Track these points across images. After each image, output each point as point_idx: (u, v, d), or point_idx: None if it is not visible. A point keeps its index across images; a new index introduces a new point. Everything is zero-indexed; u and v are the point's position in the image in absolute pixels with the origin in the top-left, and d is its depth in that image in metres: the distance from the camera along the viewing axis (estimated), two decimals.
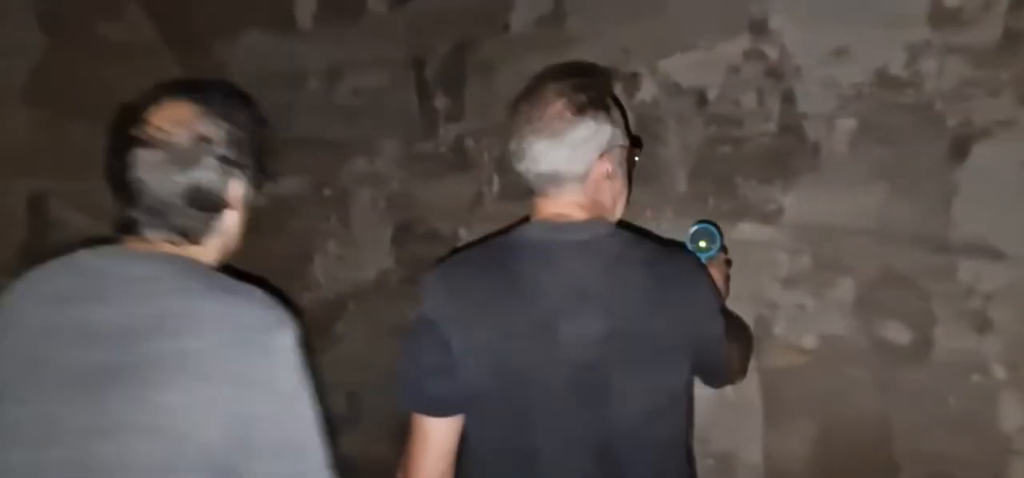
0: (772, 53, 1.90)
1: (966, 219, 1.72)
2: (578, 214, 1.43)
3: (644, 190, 2.07)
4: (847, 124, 1.83)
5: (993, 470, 1.69)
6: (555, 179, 1.42)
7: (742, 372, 1.75)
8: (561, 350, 1.34)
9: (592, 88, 1.45)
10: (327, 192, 2.56)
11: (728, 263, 1.88)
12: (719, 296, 1.51)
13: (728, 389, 1.97)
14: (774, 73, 1.90)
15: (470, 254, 1.48)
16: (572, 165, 1.41)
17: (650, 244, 1.43)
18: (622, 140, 1.49)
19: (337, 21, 2.49)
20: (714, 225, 1.80)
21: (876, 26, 1.79)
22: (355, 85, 2.51)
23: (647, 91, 2.05)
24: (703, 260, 1.70)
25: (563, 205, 1.44)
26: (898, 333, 1.80)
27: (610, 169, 1.45)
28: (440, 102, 2.40)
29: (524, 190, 1.49)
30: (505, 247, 1.43)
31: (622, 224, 1.49)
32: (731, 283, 1.89)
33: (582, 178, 1.42)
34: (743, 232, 1.97)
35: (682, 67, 2.02)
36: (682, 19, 2.00)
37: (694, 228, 1.81)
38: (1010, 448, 1.68)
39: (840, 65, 1.83)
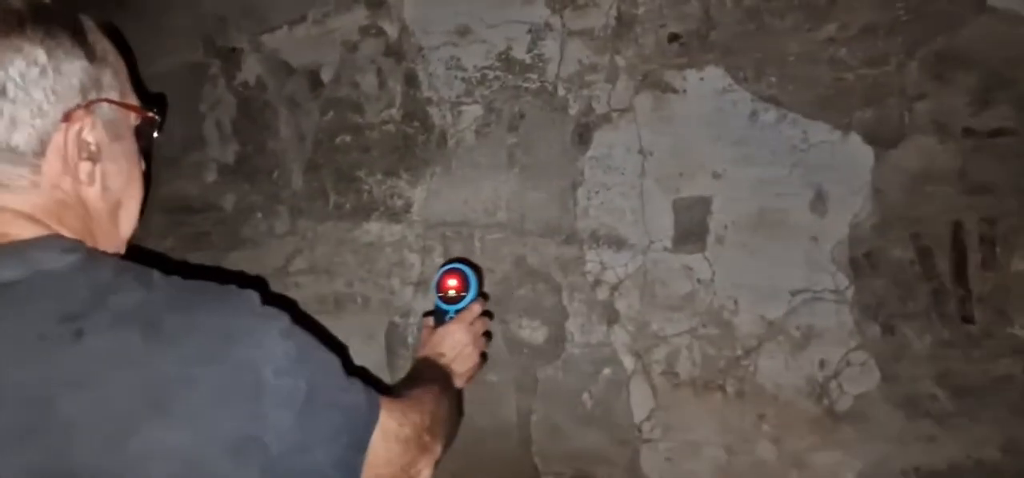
0: (391, 30, 1.70)
1: (591, 208, 1.68)
2: (20, 229, 0.79)
3: (252, 189, 1.78)
4: (474, 111, 1.70)
5: (627, 461, 1.67)
6: None
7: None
8: None
9: None
10: None
11: (487, 316, 1.41)
12: (324, 368, 0.87)
13: None
14: (395, 52, 1.71)
15: None
16: (5, 131, 0.77)
17: (159, 281, 0.79)
18: (117, 91, 0.86)
19: None
20: (470, 265, 1.41)
21: (498, 6, 1.67)
22: None
23: (250, 70, 1.74)
24: (450, 314, 1.34)
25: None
26: (534, 331, 1.71)
27: (93, 140, 0.82)
28: None
29: None
30: None
31: (137, 253, 0.89)
32: (360, 289, 1.66)
33: (30, 157, 0.79)
34: (370, 232, 1.76)
35: (291, 43, 1.74)
36: None
37: (440, 271, 1.38)
38: (641, 437, 1.67)
39: (464, 46, 1.69)
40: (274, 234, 1.77)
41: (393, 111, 1.71)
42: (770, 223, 1.58)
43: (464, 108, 1.70)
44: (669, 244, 1.63)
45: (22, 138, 0.78)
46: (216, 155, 1.82)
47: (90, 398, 0.71)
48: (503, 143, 1.69)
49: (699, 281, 1.62)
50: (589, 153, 1.66)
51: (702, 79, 1.59)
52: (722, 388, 1.62)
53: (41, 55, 0.79)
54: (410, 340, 1.76)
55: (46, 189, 0.81)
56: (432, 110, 1.71)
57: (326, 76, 1.73)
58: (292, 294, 1.78)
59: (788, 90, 1.54)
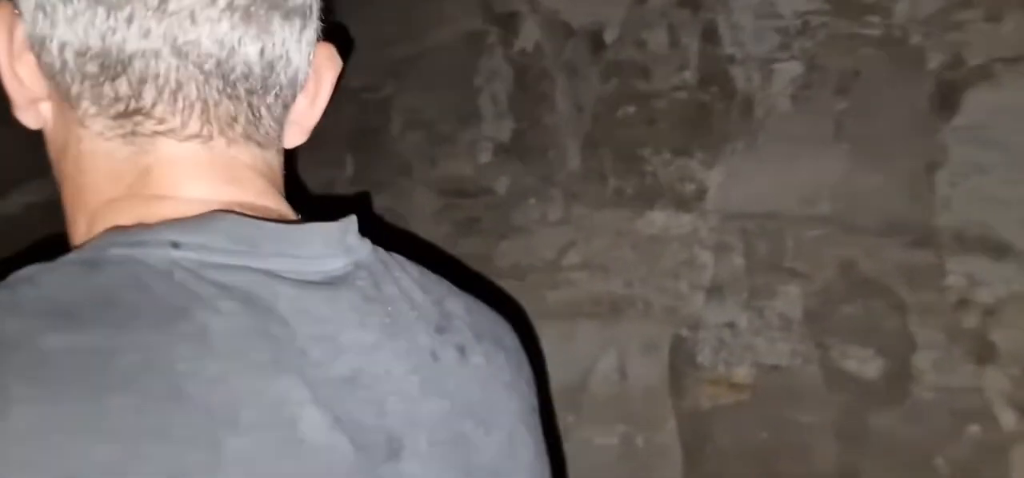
0: None
1: (957, 199, 1.29)
2: (269, 191, 0.58)
3: (525, 170, 1.66)
4: (791, 69, 1.41)
5: None
6: (261, 80, 0.55)
7: None
8: None
9: None
10: None
11: None
12: None
13: (638, 436, 1.54)
14: (691, 2, 1.49)
15: (54, 296, 0.47)
16: (299, 48, 0.57)
17: (440, 278, 0.66)
18: None
19: None
20: None
21: None
22: None
23: (528, 36, 1.62)
24: None
25: (247, 167, 0.56)
26: (864, 362, 1.36)
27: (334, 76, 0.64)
28: None
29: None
30: (151, 293, 0.48)
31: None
32: (640, 290, 1.44)
33: (299, 87, 0.59)
34: (654, 223, 1.53)
35: (573, 0, 1.55)
36: None
37: None
38: None
39: None
40: (547, 222, 1.62)
41: (686, 74, 1.48)
42: None
43: (778, 67, 1.41)
44: None
45: (305, 58, 0.58)
46: (490, 132, 1.71)
47: (499, 439, 0.59)
48: (829, 110, 1.37)
49: None
50: (955, 122, 1.28)
51: None
52: None
53: None
54: (699, 359, 1.47)
55: (282, 141, 0.61)
56: (735, 71, 1.44)
57: (609, 36, 1.55)
58: (563, 292, 1.59)
59: None
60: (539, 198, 1.62)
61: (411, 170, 1.82)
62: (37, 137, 0.60)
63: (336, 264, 0.55)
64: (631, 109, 1.52)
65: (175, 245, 0.49)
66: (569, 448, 1.58)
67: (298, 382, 0.49)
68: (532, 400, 0.64)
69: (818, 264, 1.38)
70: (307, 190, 1.73)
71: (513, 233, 1.67)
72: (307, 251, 0.54)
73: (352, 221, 0.58)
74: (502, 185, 1.69)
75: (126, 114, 0.52)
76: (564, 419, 1.58)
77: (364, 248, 0.58)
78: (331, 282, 0.54)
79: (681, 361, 1.51)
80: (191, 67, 0.51)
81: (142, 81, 0.51)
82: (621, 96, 1.53)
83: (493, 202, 1.70)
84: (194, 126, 0.53)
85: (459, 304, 0.63)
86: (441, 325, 0.59)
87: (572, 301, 1.59)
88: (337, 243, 0.56)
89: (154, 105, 0.52)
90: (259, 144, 0.57)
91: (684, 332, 1.50)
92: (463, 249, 1.71)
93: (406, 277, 0.60)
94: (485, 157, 1.71)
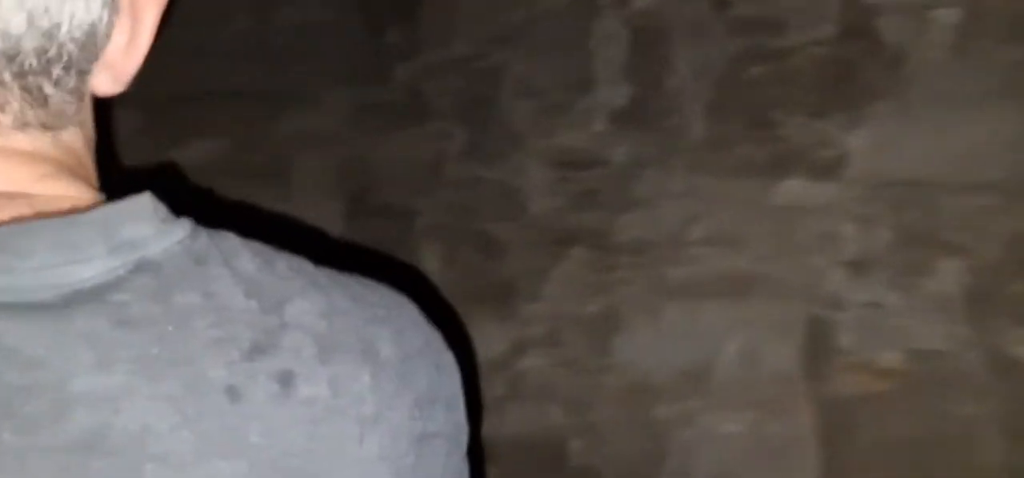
0: None
1: None
2: (58, 174, 0.45)
3: (644, 138, 1.60)
4: (949, 16, 1.30)
5: None
6: (37, 55, 0.42)
7: None
8: None
9: None
10: (257, 158, 2.12)
11: None
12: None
13: (768, 424, 1.48)
14: None
15: None
16: None
17: (311, 268, 0.50)
18: None
19: None
20: None
21: None
22: (289, 19, 2.06)
23: None
24: None
25: (23, 154, 0.45)
26: None
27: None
28: (392, 35, 1.95)
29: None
30: None
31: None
32: (772, 267, 1.42)
33: (102, 41, 0.45)
34: (788, 193, 1.46)
35: None
36: None
37: None
38: None
39: None
40: (669, 193, 1.58)
41: (826, 28, 1.40)
42: None
43: (934, 14, 1.31)
44: None
45: (104, 13, 0.45)
46: (606, 99, 1.67)
47: None
48: (997, 62, 1.27)
49: None
50: None
51: None
52: None
53: None
54: (839, 342, 1.41)
55: (86, 106, 0.49)
56: (883, 22, 1.35)
57: None
58: (687, 270, 1.54)
59: None
60: (660, 168, 1.58)
61: (523, 142, 1.80)
62: None
63: (87, 272, 0.41)
64: (761, 68, 1.45)
65: None
66: (691, 435, 1.52)
67: None
68: (421, 427, 0.48)
69: (982, 237, 1.27)
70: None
71: (632, 206, 1.63)
72: (34, 260, 0.40)
73: (140, 203, 0.44)
74: (620, 155, 1.65)
75: None
76: (686, 404, 1.52)
77: (164, 239, 0.43)
78: (65, 302, 0.40)
79: (818, 344, 1.43)
80: None
81: None
82: (750, 55, 1.46)
83: (610, 173, 1.66)
84: None
85: (313, 306, 0.46)
86: (261, 344, 0.43)
87: (696, 279, 1.53)
88: (93, 240, 0.42)
89: None
90: (45, 127, 0.45)
91: (821, 312, 1.42)
92: (579, 224, 1.68)
93: (227, 275, 0.45)
94: (601, 126, 1.67)
